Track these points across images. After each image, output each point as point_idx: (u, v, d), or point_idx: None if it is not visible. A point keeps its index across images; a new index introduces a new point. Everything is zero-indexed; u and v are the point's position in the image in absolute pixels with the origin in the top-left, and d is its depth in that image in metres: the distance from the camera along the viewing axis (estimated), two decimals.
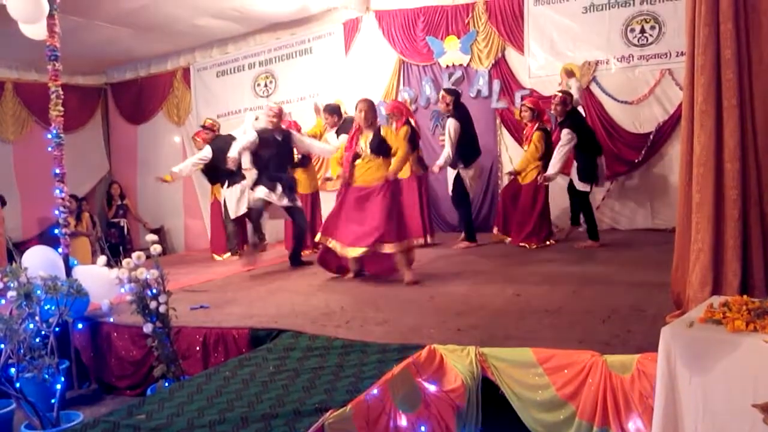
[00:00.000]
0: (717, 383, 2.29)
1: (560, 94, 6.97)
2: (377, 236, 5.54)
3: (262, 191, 6.79)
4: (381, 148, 5.75)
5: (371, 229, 5.58)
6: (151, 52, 10.75)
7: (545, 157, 7.03)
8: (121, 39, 9.48)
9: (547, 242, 7.17)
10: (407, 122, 7.53)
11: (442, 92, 7.57)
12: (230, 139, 8.16)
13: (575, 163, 6.97)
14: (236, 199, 8.11)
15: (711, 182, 3.31)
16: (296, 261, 7.07)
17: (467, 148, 7.30)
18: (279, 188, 6.78)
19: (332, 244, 5.83)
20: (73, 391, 4.82)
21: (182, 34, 9.71)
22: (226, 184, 8.15)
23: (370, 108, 5.85)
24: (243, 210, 8.11)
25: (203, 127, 8.59)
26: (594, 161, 6.92)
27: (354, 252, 5.70)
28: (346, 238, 5.72)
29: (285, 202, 6.84)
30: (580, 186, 6.92)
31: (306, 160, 8.15)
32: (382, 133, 5.78)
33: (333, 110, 7.99)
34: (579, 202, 7.05)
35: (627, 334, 3.57)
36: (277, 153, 6.86)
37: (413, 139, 7.42)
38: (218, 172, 8.14)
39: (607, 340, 3.46)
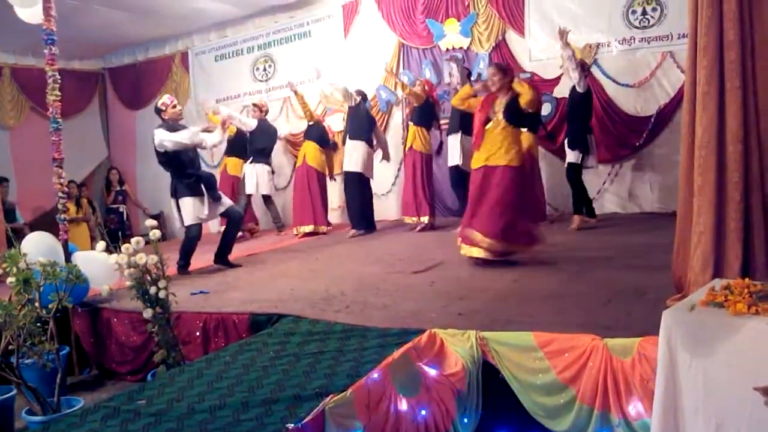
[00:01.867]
0: (718, 366, 2.27)
1: (579, 59, 7.02)
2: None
3: (189, 208, 6.09)
4: (514, 115, 5.29)
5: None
6: (148, 36, 10.70)
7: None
8: (119, 23, 9.43)
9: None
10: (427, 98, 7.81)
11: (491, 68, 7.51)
12: (273, 127, 8.86)
13: (566, 141, 7.02)
14: (257, 179, 8.55)
15: (713, 165, 3.28)
16: (223, 260, 6.50)
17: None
18: (205, 194, 6.12)
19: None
20: (73, 377, 4.85)
21: (180, 17, 9.65)
22: (251, 159, 8.60)
23: (496, 71, 5.40)
24: (262, 192, 8.64)
25: (254, 105, 8.89)
26: (585, 134, 6.91)
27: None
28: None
29: (217, 210, 6.29)
30: (571, 156, 6.91)
31: (335, 144, 8.62)
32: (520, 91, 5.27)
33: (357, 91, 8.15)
34: (569, 176, 7.02)
35: (628, 318, 3.56)
36: (194, 150, 6.28)
37: (431, 112, 7.71)
38: (246, 148, 8.69)
39: (608, 324, 3.45)
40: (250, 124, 8.60)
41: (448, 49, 8.67)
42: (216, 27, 10.48)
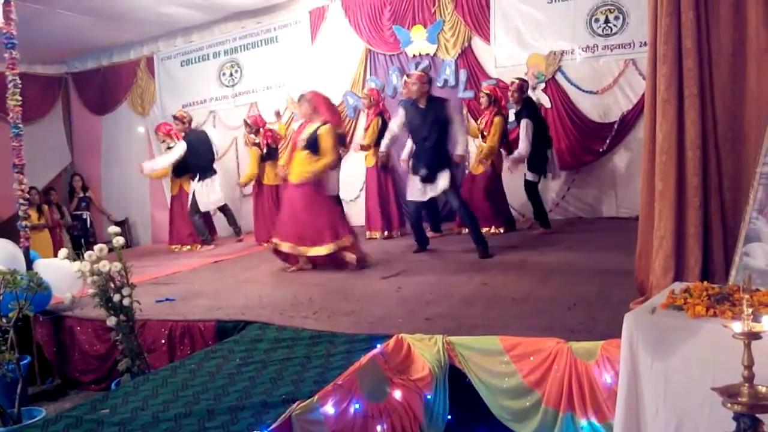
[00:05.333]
0: (678, 368, 2.32)
1: (517, 81, 7.07)
2: (318, 240, 5.76)
3: (415, 187, 6.18)
4: (311, 145, 5.77)
5: (317, 231, 5.77)
6: (113, 40, 10.54)
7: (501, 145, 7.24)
8: (82, 27, 9.27)
9: (500, 230, 7.34)
10: (380, 114, 7.58)
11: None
12: (203, 134, 8.45)
13: (526, 162, 7.08)
14: (206, 192, 8.26)
15: (673, 170, 3.35)
16: (482, 244, 6.05)
17: None
18: (423, 173, 6.08)
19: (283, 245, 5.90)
20: (35, 387, 4.76)
21: (146, 22, 9.54)
22: (198, 177, 8.25)
23: (311, 100, 5.87)
24: (213, 204, 8.37)
25: (175, 117, 8.48)
26: (544, 153, 7.02)
27: (310, 252, 5.82)
28: (294, 237, 5.83)
29: (430, 192, 6.12)
30: (529, 176, 7.03)
31: (274, 153, 8.16)
32: (319, 131, 5.76)
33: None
34: (527, 191, 7.13)
35: (592, 321, 3.61)
36: (422, 125, 6.13)
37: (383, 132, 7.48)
38: (189, 165, 8.26)
39: (573, 327, 3.50)
40: (178, 153, 8.20)
41: (414, 56, 8.72)
42: (182, 32, 10.38)
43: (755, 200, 3.01)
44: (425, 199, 6.19)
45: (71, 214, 10.56)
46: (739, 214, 3.18)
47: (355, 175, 8.60)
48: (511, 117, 7.68)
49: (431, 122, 6.06)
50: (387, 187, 7.84)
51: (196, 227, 8.38)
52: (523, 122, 6.88)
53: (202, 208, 8.33)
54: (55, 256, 5.18)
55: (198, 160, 8.27)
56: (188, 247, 8.44)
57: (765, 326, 1.94)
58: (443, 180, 5.98)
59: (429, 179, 6.04)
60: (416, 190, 6.16)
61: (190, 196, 8.31)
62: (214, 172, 8.46)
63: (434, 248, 6.64)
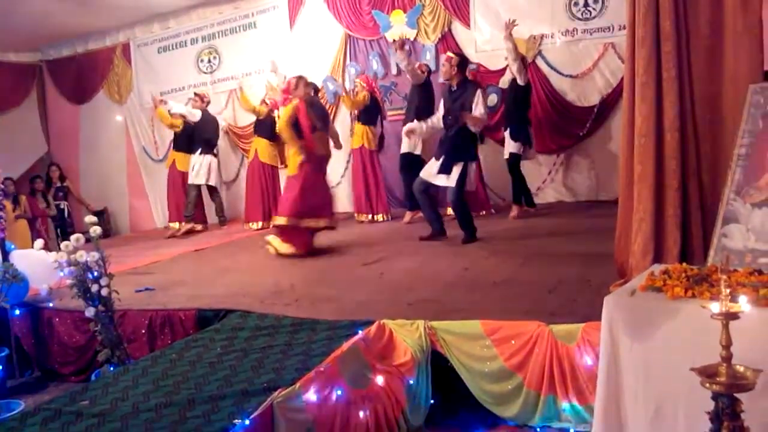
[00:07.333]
0: (657, 349, 2.33)
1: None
2: None
3: (430, 169, 5.92)
4: None
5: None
6: (88, 27, 10.37)
7: None
8: (56, 13, 9.11)
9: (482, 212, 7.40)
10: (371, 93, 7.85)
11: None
12: (215, 119, 8.90)
13: (507, 132, 7.08)
14: (206, 169, 8.59)
15: (652, 153, 3.36)
16: (469, 231, 5.97)
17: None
18: (441, 158, 5.82)
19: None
20: (14, 380, 4.69)
21: (121, 8, 9.40)
22: (200, 150, 8.58)
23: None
24: (211, 182, 8.70)
25: (195, 94, 8.89)
26: (526, 125, 7.06)
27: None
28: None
29: (440, 180, 5.86)
30: (513, 147, 7.01)
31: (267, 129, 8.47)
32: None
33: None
34: (510, 166, 7.12)
35: (573, 304, 3.63)
36: (449, 110, 5.87)
37: (377, 108, 7.82)
38: (194, 138, 8.66)
39: (554, 310, 3.52)
40: (195, 114, 8.58)
41: (394, 41, 8.65)
42: (158, 18, 10.24)
43: (733, 182, 3.02)
44: (433, 182, 5.94)
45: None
46: (717, 195, 3.20)
47: (336, 163, 8.56)
48: (492, 102, 7.71)
49: (458, 109, 5.79)
50: (374, 168, 7.84)
51: (188, 201, 8.60)
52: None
53: (197, 181, 8.59)
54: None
55: (203, 134, 8.63)
56: (178, 225, 8.73)
57: (742, 306, 1.95)
58: (455, 174, 5.75)
59: (445, 169, 5.78)
60: (430, 172, 5.92)
61: (191, 169, 8.62)
62: (215, 154, 8.77)
63: (416, 232, 6.61)
